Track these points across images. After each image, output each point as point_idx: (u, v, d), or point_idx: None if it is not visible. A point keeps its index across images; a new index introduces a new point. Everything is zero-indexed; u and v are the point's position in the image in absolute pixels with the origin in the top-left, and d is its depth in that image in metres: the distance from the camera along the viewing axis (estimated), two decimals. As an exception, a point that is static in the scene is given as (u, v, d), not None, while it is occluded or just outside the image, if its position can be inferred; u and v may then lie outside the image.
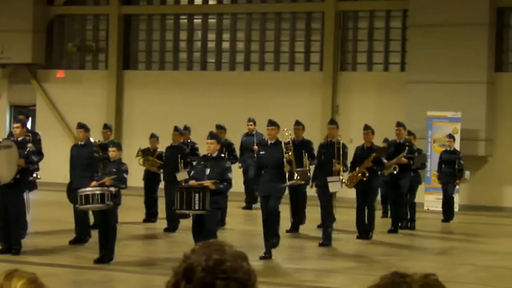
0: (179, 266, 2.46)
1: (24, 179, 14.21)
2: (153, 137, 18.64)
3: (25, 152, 13.87)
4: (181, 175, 16.93)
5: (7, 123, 27.47)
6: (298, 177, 14.18)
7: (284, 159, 14.00)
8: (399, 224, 17.88)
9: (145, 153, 18.56)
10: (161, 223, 17.68)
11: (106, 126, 17.39)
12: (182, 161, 17.16)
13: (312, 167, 17.22)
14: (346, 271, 13.69)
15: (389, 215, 19.17)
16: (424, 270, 2.54)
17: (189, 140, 18.84)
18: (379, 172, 16.91)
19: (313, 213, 17.29)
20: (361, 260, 14.74)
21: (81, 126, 15.60)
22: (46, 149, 18.77)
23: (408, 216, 18.51)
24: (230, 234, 16.42)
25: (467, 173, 21.22)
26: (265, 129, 14.91)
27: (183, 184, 16.61)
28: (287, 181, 14.06)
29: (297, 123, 17.42)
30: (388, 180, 17.78)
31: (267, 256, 13.87)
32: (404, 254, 15.56)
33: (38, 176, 15.20)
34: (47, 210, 20.20)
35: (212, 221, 13.10)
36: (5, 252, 13.76)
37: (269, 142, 14.37)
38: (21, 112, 19.93)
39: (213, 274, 2.40)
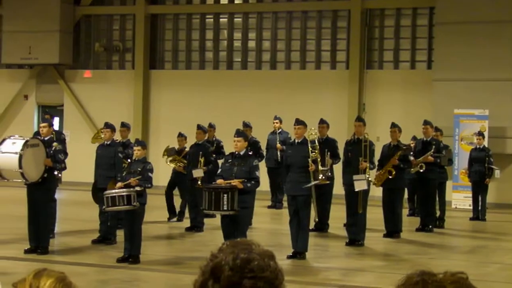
0: (206, 265, 2.44)
1: (52, 178, 14.28)
2: (181, 136, 18.66)
3: (51, 151, 13.94)
4: (197, 172, 16.99)
5: (35, 123, 27.63)
6: (323, 177, 14.11)
7: (309, 158, 13.94)
8: (429, 224, 17.74)
9: (170, 152, 18.58)
10: (187, 222, 17.70)
11: (123, 125, 17.39)
12: (203, 158, 17.19)
13: (334, 166, 17.23)
14: (374, 270, 13.62)
15: (416, 213, 19.11)
16: (452, 269, 2.50)
17: (214, 138, 18.85)
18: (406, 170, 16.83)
19: (339, 211, 17.23)
20: (389, 259, 14.67)
21: (108, 126, 15.65)
22: (73, 148, 18.90)
23: (437, 215, 18.42)
24: (256, 233, 16.39)
25: (497, 172, 21.08)
26: (292, 127, 14.85)
27: (199, 183, 16.71)
28: (312, 181, 13.98)
29: (322, 121, 17.37)
30: (415, 178, 17.69)
31: (297, 255, 13.85)
32: (432, 252, 15.46)
33: (60, 174, 15.25)
34: (74, 210, 20.30)
35: (245, 221, 13.10)
36: (33, 252, 13.83)
37: (296, 141, 14.32)
38: (46, 111, 20.02)
39: (240, 273, 2.38)
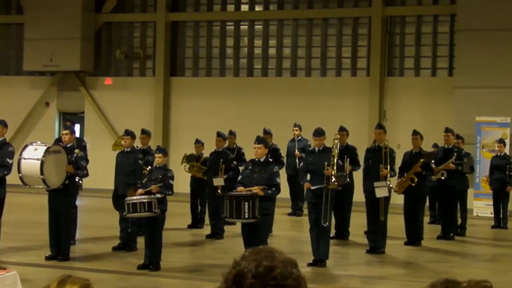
0: (229, 272, 2.43)
1: (73, 184, 14.32)
2: (198, 142, 18.68)
3: (73, 158, 13.99)
4: (218, 181, 17.03)
5: (56, 130, 27.75)
6: (336, 182, 14.02)
7: (326, 162, 13.88)
8: (450, 232, 17.65)
9: (190, 159, 18.62)
10: (207, 229, 17.70)
11: (144, 132, 17.45)
12: (223, 166, 17.20)
13: (355, 174, 17.20)
14: (395, 278, 13.56)
15: (437, 220, 19.02)
16: (474, 277, 2.48)
17: (235, 145, 18.86)
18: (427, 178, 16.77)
19: (360, 219, 17.18)
20: (410, 267, 14.60)
21: (129, 133, 15.70)
22: (94, 155, 18.96)
23: (459, 222, 18.34)
24: (276, 241, 16.36)
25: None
26: (311, 133, 14.79)
27: (219, 191, 16.74)
28: (324, 183, 13.89)
29: (341, 129, 17.34)
30: (437, 186, 17.61)
31: (317, 263, 13.82)
32: (454, 260, 15.38)
33: (80, 181, 15.31)
34: (95, 216, 20.36)
35: (265, 228, 13.09)
36: (54, 258, 13.87)
37: (316, 149, 14.28)
38: (67, 118, 20.08)
39: (263, 281, 2.37)
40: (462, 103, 22.83)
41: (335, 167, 13.93)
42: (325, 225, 13.83)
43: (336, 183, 13.92)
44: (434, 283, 2.43)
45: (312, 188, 13.92)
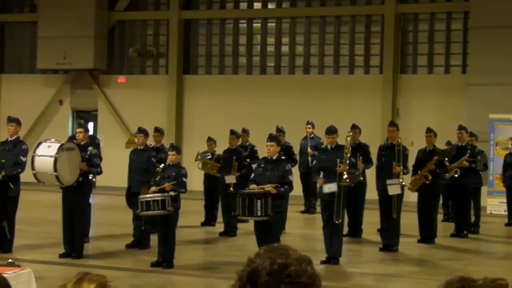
0: (243, 270, 2.44)
1: (87, 182, 14.37)
2: (210, 140, 18.70)
3: (87, 156, 14.03)
4: (230, 178, 17.11)
5: (70, 128, 27.82)
6: (348, 180, 14.00)
7: (338, 160, 13.87)
8: (464, 230, 17.61)
9: (203, 156, 18.63)
10: (220, 227, 17.72)
11: (157, 129, 17.49)
12: (236, 163, 17.24)
13: (367, 171, 17.19)
14: (408, 276, 13.54)
15: (451, 218, 18.99)
16: (488, 275, 2.48)
17: (248, 143, 18.87)
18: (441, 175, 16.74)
19: (372, 216, 17.17)
20: (424, 265, 14.58)
21: (142, 131, 15.74)
22: (107, 153, 19.00)
23: (472, 220, 18.29)
24: (289, 238, 16.37)
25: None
26: (324, 131, 14.78)
27: (231, 188, 16.79)
28: (336, 180, 13.87)
29: (354, 126, 17.31)
30: (450, 183, 17.57)
31: (330, 260, 13.82)
32: (468, 258, 15.34)
33: (94, 179, 15.36)
34: (108, 214, 20.41)
35: (278, 226, 13.10)
36: (67, 256, 13.91)
37: (329, 146, 14.27)
38: (81, 116, 20.15)
39: (277, 278, 2.37)
40: (476, 100, 22.77)
41: (347, 164, 13.92)
42: (337, 222, 13.82)
43: (348, 180, 13.90)
44: (449, 281, 2.43)
45: (325, 191, 13.86)
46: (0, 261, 10.08)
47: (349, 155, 14.03)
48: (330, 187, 13.73)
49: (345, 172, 13.80)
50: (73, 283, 2.75)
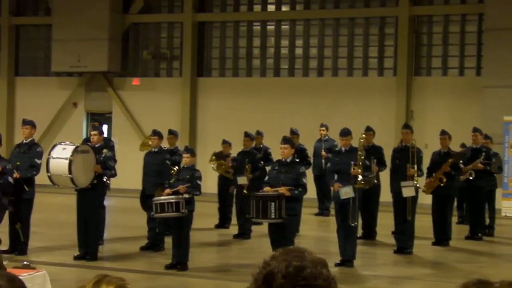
0: (259, 272, 2.44)
1: (101, 184, 14.40)
2: (225, 143, 18.72)
3: (101, 158, 14.07)
4: (242, 179, 17.16)
5: (84, 130, 27.91)
6: (362, 182, 13.99)
7: (352, 162, 13.85)
8: (478, 232, 17.56)
9: (219, 157, 18.64)
10: (234, 229, 17.73)
11: (171, 132, 17.51)
12: (250, 165, 17.25)
13: (381, 174, 17.15)
14: (423, 278, 13.50)
15: (465, 221, 18.93)
16: (503, 277, 2.47)
17: (261, 145, 18.87)
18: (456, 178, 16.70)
19: (387, 219, 17.13)
20: (438, 267, 14.54)
21: (156, 133, 15.77)
22: (121, 156, 19.04)
23: (487, 223, 18.24)
24: (304, 241, 16.36)
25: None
26: (338, 133, 14.78)
27: (245, 190, 16.84)
28: (351, 183, 13.85)
29: (368, 129, 17.29)
30: (465, 186, 17.52)
31: (345, 263, 13.81)
32: (483, 261, 15.28)
33: (108, 181, 15.40)
34: (122, 216, 20.44)
35: (292, 228, 13.10)
36: (82, 258, 13.95)
37: (343, 149, 14.25)
38: (95, 119, 20.18)
39: (293, 281, 2.37)
40: (490, 102, 22.70)
41: (361, 167, 13.90)
42: (352, 225, 13.80)
43: (363, 183, 13.89)
44: (466, 283, 2.43)
45: (342, 197, 13.84)
46: (16, 263, 10.12)
47: (362, 157, 14.01)
48: (347, 192, 13.70)
49: (359, 176, 13.79)
50: (92, 285, 2.76)
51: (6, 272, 4.25)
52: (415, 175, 15.38)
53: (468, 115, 23.06)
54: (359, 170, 13.81)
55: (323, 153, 20.12)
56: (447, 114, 23.81)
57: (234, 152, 18.48)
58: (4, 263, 6.32)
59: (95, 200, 14.24)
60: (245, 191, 16.89)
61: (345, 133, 14.23)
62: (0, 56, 29.56)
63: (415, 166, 15.37)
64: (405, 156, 15.48)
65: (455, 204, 18.10)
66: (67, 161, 13.75)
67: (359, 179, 13.79)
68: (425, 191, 16.37)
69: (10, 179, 13.61)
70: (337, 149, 15.21)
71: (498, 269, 14.26)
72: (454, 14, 24.69)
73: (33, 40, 29.57)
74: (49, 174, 13.98)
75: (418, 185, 15.56)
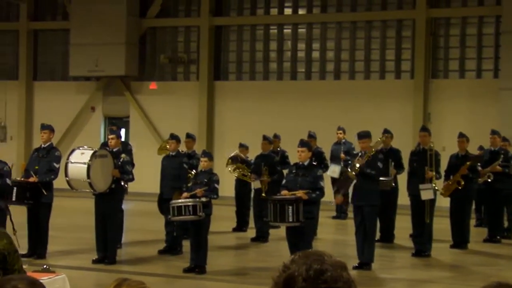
0: (279, 276, 2.44)
1: (119, 189, 14.46)
2: (242, 146, 18.73)
3: (119, 162, 14.12)
4: (256, 184, 17.19)
5: (102, 134, 28.01)
6: (357, 167, 13.97)
7: (360, 153, 13.87)
8: (497, 235, 17.49)
9: (235, 161, 18.67)
10: (251, 232, 17.74)
11: (188, 135, 17.54)
12: (266, 168, 17.27)
13: (399, 177, 17.12)
14: (441, 281, 13.46)
15: (483, 223, 18.86)
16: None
17: (279, 149, 18.88)
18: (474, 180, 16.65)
19: (404, 222, 17.10)
20: (457, 270, 14.50)
21: (174, 137, 15.81)
22: (139, 159, 19.08)
23: (505, 225, 18.16)
24: (321, 244, 16.35)
25: None
26: (355, 136, 14.78)
27: (263, 194, 16.89)
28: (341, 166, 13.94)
29: (386, 131, 17.27)
30: (483, 188, 17.47)
31: (363, 266, 13.79)
32: (501, 264, 15.23)
33: (126, 185, 15.45)
34: (140, 220, 20.49)
35: (310, 232, 13.10)
36: (100, 262, 14.00)
37: (363, 152, 14.23)
38: (113, 123, 20.28)
39: (314, 284, 2.38)
40: (508, 105, 22.61)
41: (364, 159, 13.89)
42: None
43: (353, 173, 13.93)
44: (486, 286, 2.43)
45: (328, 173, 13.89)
46: (35, 267, 10.17)
47: (372, 153, 13.97)
48: (333, 171, 13.81)
49: (357, 164, 13.80)
50: (114, 286, 2.78)
51: (27, 275, 4.27)
52: (434, 178, 15.35)
53: (485, 117, 22.97)
54: (363, 161, 13.80)
55: (343, 155, 20.10)
56: (464, 116, 23.74)
57: (250, 155, 18.49)
58: (24, 267, 6.36)
59: (113, 204, 14.29)
60: (263, 195, 16.93)
61: (360, 135, 14.23)
62: (18, 61, 29.73)
63: (433, 169, 15.34)
64: (423, 159, 15.45)
65: (473, 206, 18.04)
66: (86, 166, 13.81)
67: (356, 167, 13.86)
68: (443, 194, 16.33)
69: (8, 181, 13.60)
70: (355, 152, 15.20)
71: (516, 272, 14.20)
72: (472, 16, 24.60)
73: (51, 45, 29.71)
74: (67, 178, 14.05)
75: (436, 188, 15.53)
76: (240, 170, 18.36)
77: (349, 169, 14.17)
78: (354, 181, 14.21)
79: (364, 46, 25.71)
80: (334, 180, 19.39)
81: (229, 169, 18.61)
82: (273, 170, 17.44)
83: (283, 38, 26.75)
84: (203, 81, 27.11)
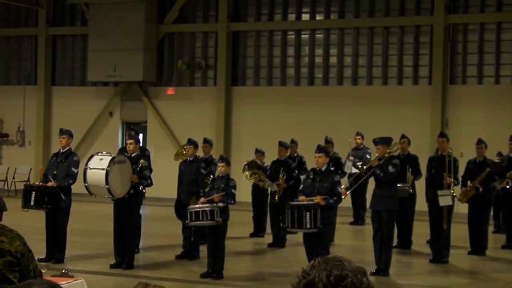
0: (298, 281, 2.45)
1: (138, 194, 14.51)
2: (258, 152, 18.73)
3: (138, 168, 14.17)
4: (272, 187, 17.23)
5: (120, 140, 28.10)
6: (359, 165, 13.96)
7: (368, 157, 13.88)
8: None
9: (251, 166, 18.66)
10: (268, 238, 17.74)
11: (206, 141, 17.55)
12: (284, 174, 17.27)
13: (417, 183, 17.08)
14: (458, 288, 13.43)
15: (502, 230, 18.78)
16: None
17: (296, 154, 18.88)
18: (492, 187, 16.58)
19: (422, 228, 17.05)
20: (475, 277, 14.45)
21: (192, 142, 15.83)
22: (156, 165, 19.15)
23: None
24: (338, 250, 16.33)
25: None
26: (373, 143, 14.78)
27: (276, 198, 16.92)
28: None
29: (403, 137, 17.25)
30: (501, 195, 17.39)
31: (380, 272, 13.77)
32: (519, 270, 15.17)
33: (144, 190, 15.51)
34: (158, 225, 20.53)
35: (327, 237, 13.10)
36: (118, 267, 14.04)
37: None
38: (131, 128, 20.33)
39: None
40: (527, 111, 22.52)
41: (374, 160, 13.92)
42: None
43: (360, 166, 13.98)
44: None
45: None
46: (53, 271, 10.21)
47: (386, 155, 13.96)
48: (348, 166, 13.96)
49: (359, 164, 13.86)
50: None
51: (47, 280, 4.31)
52: (452, 184, 15.31)
53: (504, 123, 22.88)
54: (376, 161, 13.84)
55: (351, 157, 20.13)
56: (482, 122, 23.66)
57: (267, 161, 18.50)
58: (43, 271, 6.40)
59: (131, 210, 14.33)
60: (276, 199, 16.98)
61: (376, 141, 14.22)
62: (37, 66, 29.89)
63: (452, 175, 15.31)
64: (441, 165, 15.42)
65: (491, 213, 17.97)
66: (104, 172, 13.86)
67: (358, 164, 13.91)
68: (460, 200, 16.28)
69: None
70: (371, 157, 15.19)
71: (535, 279, 14.13)
72: (490, 22, 24.53)
73: (70, 50, 29.85)
74: (86, 184, 14.12)
75: (454, 194, 15.50)
76: (257, 176, 18.37)
77: (360, 164, 14.21)
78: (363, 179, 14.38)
79: (382, 52, 25.68)
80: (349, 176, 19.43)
81: (246, 174, 18.60)
82: (289, 177, 17.43)
83: (300, 44, 26.76)
84: (221, 86, 27.15)
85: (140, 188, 14.66)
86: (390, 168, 13.98)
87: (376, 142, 14.20)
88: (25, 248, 5.54)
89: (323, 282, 2.39)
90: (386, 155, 13.99)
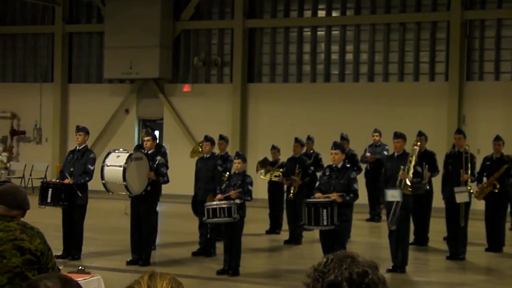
0: (315, 280, 2.43)
1: (155, 191, 14.53)
2: (274, 148, 18.72)
3: (155, 165, 14.20)
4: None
5: (136, 137, 28.15)
6: (410, 189, 13.87)
7: (402, 167, 13.76)
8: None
9: (263, 164, 18.65)
10: (285, 235, 17.74)
11: (221, 137, 17.54)
12: (300, 171, 17.26)
13: (433, 179, 17.01)
14: (476, 285, 13.37)
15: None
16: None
17: (312, 151, 18.85)
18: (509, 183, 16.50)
19: (439, 225, 17.01)
20: (492, 274, 14.40)
21: (208, 139, 15.83)
22: (173, 161, 19.15)
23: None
24: (355, 247, 16.30)
25: None
26: (390, 140, 14.75)
27: (291, 194, 16.93)
28: (400, 188, 13.76)
29: (420, 134, 17.19)
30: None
31: (397, 269, 13.73)
32: (537, 268, 15.10)
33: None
34: (174, 222, 20.57)
35: (344, 234, 13.08)
36: (135, 263, 14.08)
37: (395, 154, 14.20)
38: (147, 125, 20.36)
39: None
40: (544, 107, 22.41)
41: (411, 172, 13.79)
42: (392, 229, 13.68)
43: (410, 189, 13.77)
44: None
45: (387, 199, 13.77)
46: (70, 268, 10.24)
47: (413, 163, 13.90)
48: (393, 195, 13.63)
49: (408, 180, 13.69)
50: (148, 279, 2.82)
51: (60, 273, 4.33)
52: (469, 180, 15.25)
53: (521, 120, 22.79)
54: (408, 175, 13.71)
55: (368, 154, 20.11)
56: (499, 119, 23.56)
57: (283, 157, 18.49)
58: (60, 268, 6.42)
59: (148, 206, 14.36)
60: (291, 195, 17.01)
61: (396, 135, 14.20)
62: (53, 64, 29.98)
63: (469, 172, 15.25)
64: (458, 162, 15.37)
65: (509, 209, 17.89)
66: (121, 169, 13.90)
67: (407, 183, 13.67)
68: (476, 197, 16.22)
69: None
70: (388, 154, 15.16)
71: (553, 276, 14.07)
72: (507, 18, 24.41)
73: (86, 48, 29.93)
74: (103, 181, 14.16)
75: (471, 191, 15.44)
76: (271, 172, 18.37)
77: (401, 189, 13.85)
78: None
79: (398, 48, 25.60)
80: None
81: (261, 172, 18.59)
82: (305, 173, 17.41)
83: (316, 40, 26.72)
84: (237, 83, 27.15)
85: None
86: (419, 169, 14.13)
87: (397, 136, 14.16)
88: (45, 246, 5.56)
89: (347, 281, 2.39)
90: (411, 162, 13.87)
